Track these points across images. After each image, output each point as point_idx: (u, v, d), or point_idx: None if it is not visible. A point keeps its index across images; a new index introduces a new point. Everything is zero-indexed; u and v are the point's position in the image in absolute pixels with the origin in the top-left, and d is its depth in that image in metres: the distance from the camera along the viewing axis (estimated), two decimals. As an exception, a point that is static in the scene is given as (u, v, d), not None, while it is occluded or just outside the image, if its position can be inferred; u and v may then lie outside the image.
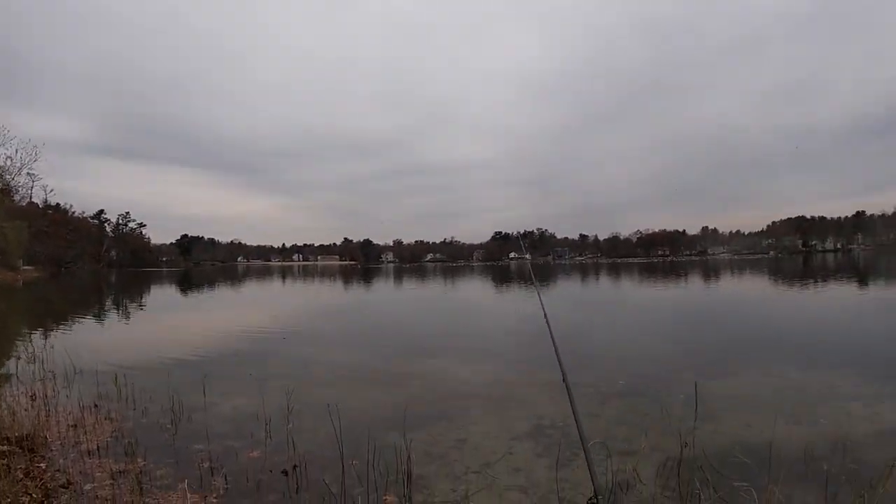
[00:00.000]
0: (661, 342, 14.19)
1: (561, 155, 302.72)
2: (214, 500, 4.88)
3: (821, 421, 7.05)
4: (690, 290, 33.76)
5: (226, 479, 5.31)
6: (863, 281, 35.07)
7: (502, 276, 63.35)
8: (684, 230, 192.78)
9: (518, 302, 28.47)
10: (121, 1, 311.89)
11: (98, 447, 6.20)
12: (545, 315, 4.28)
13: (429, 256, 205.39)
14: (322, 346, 13.95)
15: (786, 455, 5.54)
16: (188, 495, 4.83)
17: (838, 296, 26.10)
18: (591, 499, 2.69)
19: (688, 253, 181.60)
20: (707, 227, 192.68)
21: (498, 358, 12.05)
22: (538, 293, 4.58)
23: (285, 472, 5.42)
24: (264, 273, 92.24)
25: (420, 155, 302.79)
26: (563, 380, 3.44)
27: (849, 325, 16.62)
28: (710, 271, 61.66)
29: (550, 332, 3.92)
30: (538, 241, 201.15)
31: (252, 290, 43.56)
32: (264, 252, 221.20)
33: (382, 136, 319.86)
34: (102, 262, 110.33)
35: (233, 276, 75.44)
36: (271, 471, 5.50)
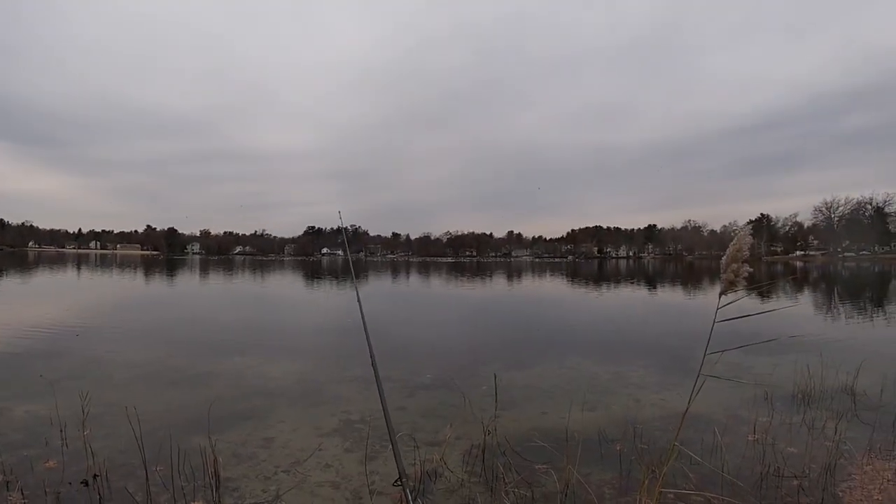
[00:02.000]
0: (465, 337, 14.75)
1: (380, 152, 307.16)
2: (9, 518, 4.60)
3: (612, 407, 7.66)
4: (494, 289, 35.19)
5: (22, 494, 4.98)
6: (650, 284, 38.17)
7: (314, 272, 62.61)
8: (491, 233, 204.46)
9: (330, 297, 28.57)
10: None
11: None
12: (361, 311, 4.37)
13: (238, 249, 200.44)
14: (120, 344, 13.04)
15: (582, 439, 5.92)
16: (-21, 516, 4.54)
17: (627, 297, 28.25)
18: (395, 481, 2.80)
19: (494, 254, 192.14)
20: (512, 231, 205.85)
21: (308, 354, 11.98)
22: (356, 289, 4.65)
23: (85, 483, 5.14)
24: (58, 261, 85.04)
25: (233, 140, 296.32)
26: (375, 374, 3.51)
27: (635, 323, 18.07)
28: (514, 272, 64.75)
29: (365, 328, 4.02)
30: (352, 238, 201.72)
31: (43, 281, 40.37)
32: (58, 238, 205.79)
33: (195, 115, 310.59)
34: None
35: (22, 264, 69.45)
36: (70, 482, 5.21)
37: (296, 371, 10.18)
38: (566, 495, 4.79)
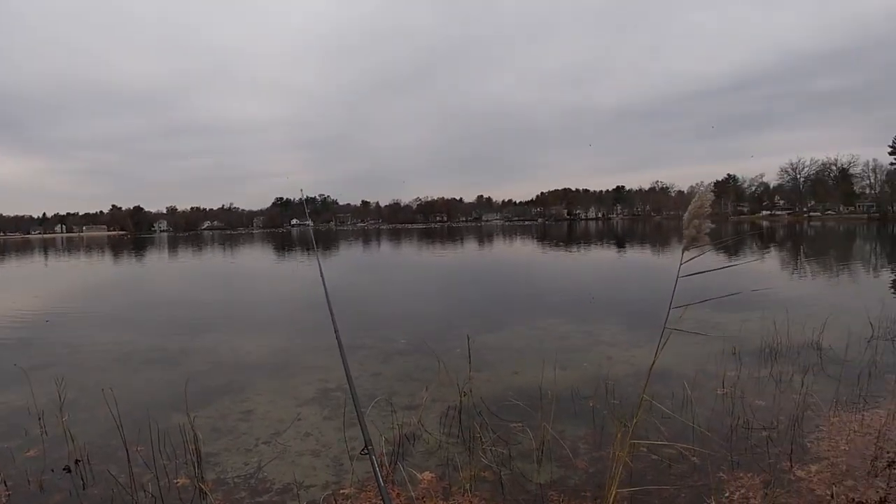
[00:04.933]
0: (437, 302, 14.91)
1: (349, 119, 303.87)
2: (-4, 510, 4.63)
3: (584, 365, 7.85)
4: (464, 254, 35.40)
5: (6, 485, 5.01)
6: (619, 244, 38.48)
7: (284, 244, 62.75)
8: (461, 198, 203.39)
9: (299, 269, 28.59)
10: None
11: None
12: (323, 280, 4.41)
13: (206, 224, 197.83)
14: (91, 328, 13.04)
15: (555, 396, 6.01)
16: (-37, 508, 4.57)
17: (596, 257, 28.57)
18: (362, 450, 2.83)
19: (464, 219, 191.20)
20: (482, 195, 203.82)
21: (281, 327, 12.07)
22: (318, 260, 4.69)
23: (68, 469, 5.18)
24: (24, 248, 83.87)
25: (197, 113, 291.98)
26: (337, 339, 3.55)
27: (605, 282, 18.32)
28: (484, 236, 65.03)
29: (327, 296, 4.07)
30: (321, 208, 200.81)
31: (9, 269, 39.89)
32: (23, 224, 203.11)
33: (157, 87, 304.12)
34: None
35: None
36: (52, 469, 5.23)
37: (270, 344, 10.25)
38: (542, 452, 4.93)
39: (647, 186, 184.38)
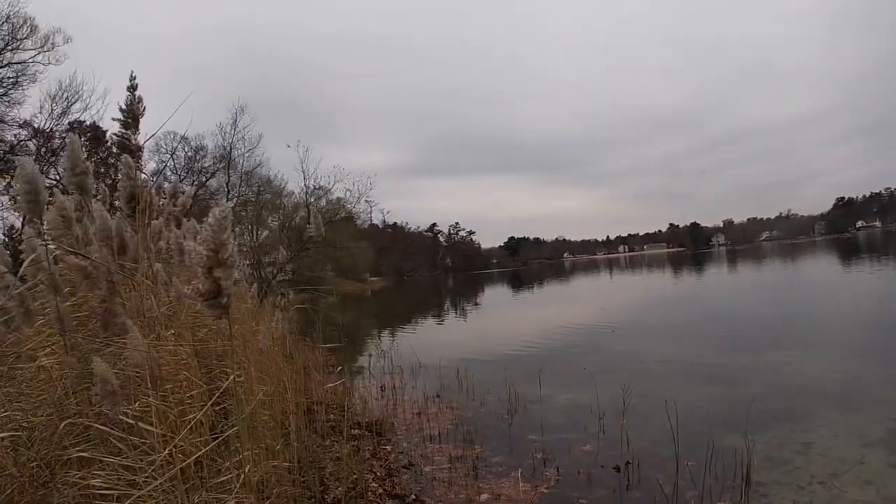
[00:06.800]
0: None
1: (890, 95, 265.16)
2: (545, 490, 5.00)
3: None
4: None
5: (557, 471, 5.42)
6: None
7: (846, 251, 54.78)
8: None
9: (871, 282, 24.29)
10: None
11: (439, 433, 6.70)
12: None
13: (764, 235, 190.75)
14: (653, 339, 13.67)
15: None
16: (520, 483, 5.02)
17: None
18: None
19: None
20: None
21: (850, 350, 10.72)
22: None
23: (617, 468, 5.41)
24: (590, 267, 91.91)
25: (733, 119, 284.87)
26: None
27: None
28: None
29: None
30: (888, 204, 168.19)
31: (579, 285, 43.92)
32: (589, 246, 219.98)
33: (681, 107, 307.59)
34: (439, 268, 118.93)
35: (560, 273, 76.62)
36: (602, 466, 5.51)
37: (837, 369, 9.18)
38: None
39: None
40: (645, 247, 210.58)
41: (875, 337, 11.95)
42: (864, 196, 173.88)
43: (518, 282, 58.21)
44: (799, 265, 42.93)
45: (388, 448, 6.20)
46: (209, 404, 2.94)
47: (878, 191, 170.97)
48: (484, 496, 4.85)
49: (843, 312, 16.19)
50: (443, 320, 23.47)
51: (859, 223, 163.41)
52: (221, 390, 3.08)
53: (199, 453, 2.63)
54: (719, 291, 28.87)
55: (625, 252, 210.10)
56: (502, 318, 23.09)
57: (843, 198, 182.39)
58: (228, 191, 38.93)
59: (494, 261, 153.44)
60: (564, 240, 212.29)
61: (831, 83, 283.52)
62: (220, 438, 2.86)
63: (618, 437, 6.16)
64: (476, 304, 33.43)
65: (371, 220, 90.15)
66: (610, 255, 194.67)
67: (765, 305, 20.10)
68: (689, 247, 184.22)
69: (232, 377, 2.67)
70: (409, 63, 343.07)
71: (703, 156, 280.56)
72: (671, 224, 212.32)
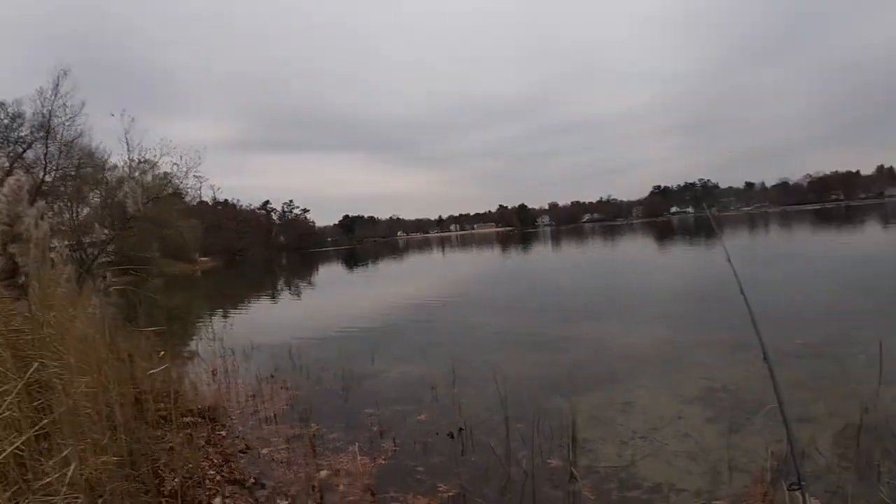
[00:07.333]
0: (840, 298, 13.21)
1: (717, 97, 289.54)
2: (383, 462, 5.07)
3: None
4: (870, 240, 30.73)
5: (394, 442, 5.51)
6: None
7: (664, 233, 60.39)
8: (858, 171, 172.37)
9: (684, 259, 27.24)
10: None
11: (275, 415, 6.62)
12: (737, 278, 3.87)
13: (586, 217, 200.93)
14: (481, 313, 14.16)
15: None
16: (358, 457, 5.06)
17: None
18: (791, 484, 2.44)
19: (863, 196, 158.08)
20: (882, 165, 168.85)
21: (667, 319, 11.61)
22: (726, 252, 4.15)
23: (451, 435, 5.56)
24: (423, 245, 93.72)
25: (566, 113, 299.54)
26: (763, 351, 3.07)
27: None
28: (893, 217, 53.93)
29: (744, 296, 3.56)
30: (700, 193, 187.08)
31: (412, 262, 44.72)
32: (423, 225, 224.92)
33: (522, 96, 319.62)
34: (272, 247, 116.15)
35: (394, 251, 77.31)
36: (437, 434, 5.65)
37: (655, 336, 9.92)
38: None
39: None
40: (475, 226, 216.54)
41: (686, 307, 12.99)
42: (679, 185, 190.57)
43: (353, 260, 57.98)
44: (618, 245, 45.75)
45: (224, 433, 6.04)
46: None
47: (692, 181, 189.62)
48: (323, 473, 4.85)
49: (656, 286, 17.41)
50: (276, 300, 23.13)
51: (673, 209, 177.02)
52: (37, 383, 2.91)
53: (8, 451, 2.45)
54: (544, 267, 30.21)
55: (456, 231, 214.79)
56: (336, 296, 23.05)
57: (659, 186, 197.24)
58: (46, 164, 36.34)
59: (330, 239, 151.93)
60: (399, 219, 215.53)
61: (660, 83, 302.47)
62: (34, 435, 2.70)
63: (450, 405, 6.37)
64: (310, 282, 33.09)
65: (201, 197, 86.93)
66: (442, 234, 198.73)
67: (586, 279, 21.26)
68: (516, 227, 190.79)
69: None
70: (246, 35, 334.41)
71: (536, 142, 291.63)
72: (501, 205, 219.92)
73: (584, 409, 5.94)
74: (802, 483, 2.21)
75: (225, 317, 17.40)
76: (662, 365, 8.02)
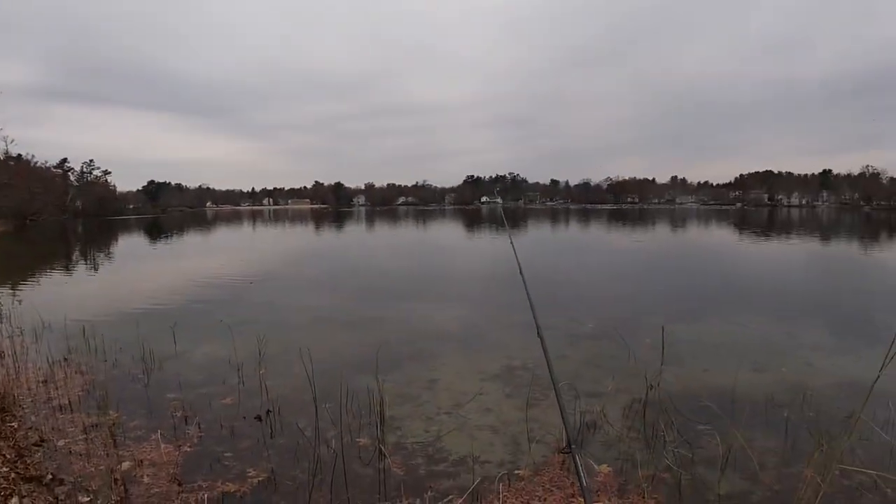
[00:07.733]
0: (630, 287, 14.43)
1: (538, 97, 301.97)
2: (189, 449, 4.89)
3: (782, 370, 7.18)
4: (659, 238, 34.06)
5: (199, 427, 5.35)
6: (826, 237, 35.33)
7: (473, 220, 63.41)
8: (654, 178, 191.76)
9: (490, 246, 28.72)
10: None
11: (70, 402, 6.15)
12: (518, 260, 4.26)
13: (401, 200, 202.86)
14: (293, 291, 14.08)
15: (748, 401, 5.67)
16: (161, 445, 4.87)
17: (803, 250, 26.23)
18: (563, 448, 2.61)
19: (656, 201, 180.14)
20: (676, 176, 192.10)
21: (471, 301, 12.29)
22: (511, 239, 4.56)
23: (259, 418, 5.48)
24: (234, 218, 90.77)
25: (395, 94, 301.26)
26: (536, 327, 3.38)
27: (813, 279, 16.92)
28: (679, 220, 61.21)
29: (523, 278, 3.93)
30: (510, 186, 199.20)
31: (221, 236, 43.38)
32: (234, 197, 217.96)
33: (355, 74, 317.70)
34: (68, 212, 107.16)
35: (202, 222, 74.24)
36: (244, 417, 5.55)
37: (460, 317, 10.41)
38: (727, 460, 4.51)
39: (856, 171, 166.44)
40: (290, 201, 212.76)
41: (486, 290, 13.58)
42: (490, 177, 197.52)
43: (156, 230, 55.07)
44: (429, 228, 46.73)
45: (15, 425, 5.61)
46: None
47: (503, 174, 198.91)
48: (125, 464, 4.61)
49: (460, 269, 18.07)
50: (70, 273, 21.66)
51: (484, 198, 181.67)
52: None
53: None
54: (356, 247, 30.30)
55: (269, 205, 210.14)
56: (136, 270, 21.75)
57: (472, 176, 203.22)
58: None
59: (132, 206, 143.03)
60: (208, 188, 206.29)
61: (486, 77, 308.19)
62: None
63: (257, 387, 6.34)
64: (108, 254, 31.23)
65: (-11, 149, 79.49)
66: (254, 208, 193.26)
67: (396, 261, 21.52)
68: (332, 204, 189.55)
69: None
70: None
71: (360, 121, 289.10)
72: (317, 181, 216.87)
73: (391, 388, 6.06)
74: (573, 446, 2.37)
75: (13, 291, 16.11)
76: (467, 344, 8.42)
